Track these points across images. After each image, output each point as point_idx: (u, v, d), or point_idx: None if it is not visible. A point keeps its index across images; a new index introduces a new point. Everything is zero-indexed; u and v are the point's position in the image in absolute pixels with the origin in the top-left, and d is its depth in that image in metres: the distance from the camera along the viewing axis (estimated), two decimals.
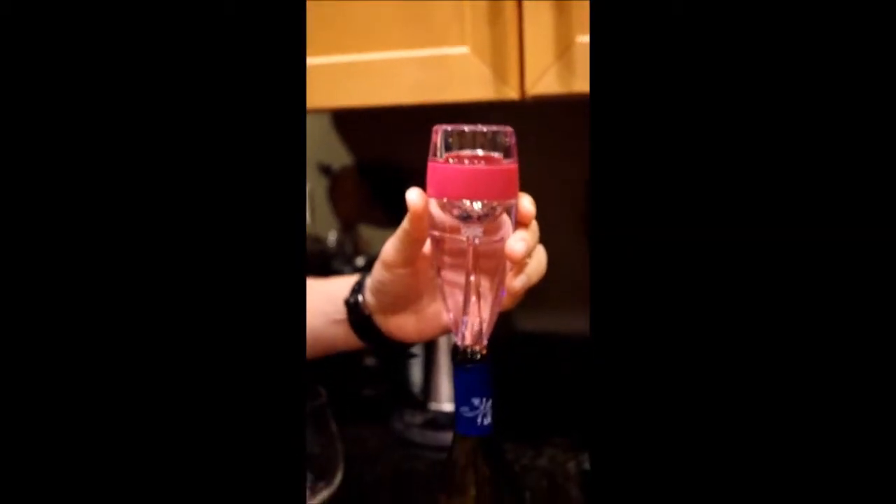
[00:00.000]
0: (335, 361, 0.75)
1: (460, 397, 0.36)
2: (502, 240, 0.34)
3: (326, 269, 0.80)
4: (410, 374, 0.75)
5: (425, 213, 0.35)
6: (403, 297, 0.42)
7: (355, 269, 0.77)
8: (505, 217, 0.35)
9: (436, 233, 0.35)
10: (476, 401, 0.36)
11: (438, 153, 0.34)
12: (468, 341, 0.35)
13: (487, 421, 0.36)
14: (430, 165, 0.34)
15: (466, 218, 0.33)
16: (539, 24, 0.49)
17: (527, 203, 0.35)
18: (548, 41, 0.49)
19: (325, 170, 0.82)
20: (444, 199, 0.34)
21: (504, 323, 0.39)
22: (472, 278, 0.35)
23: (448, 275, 0.36)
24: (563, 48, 0.48)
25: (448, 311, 0.37)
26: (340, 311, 0.45)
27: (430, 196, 0.35)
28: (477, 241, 0.34)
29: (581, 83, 0.48)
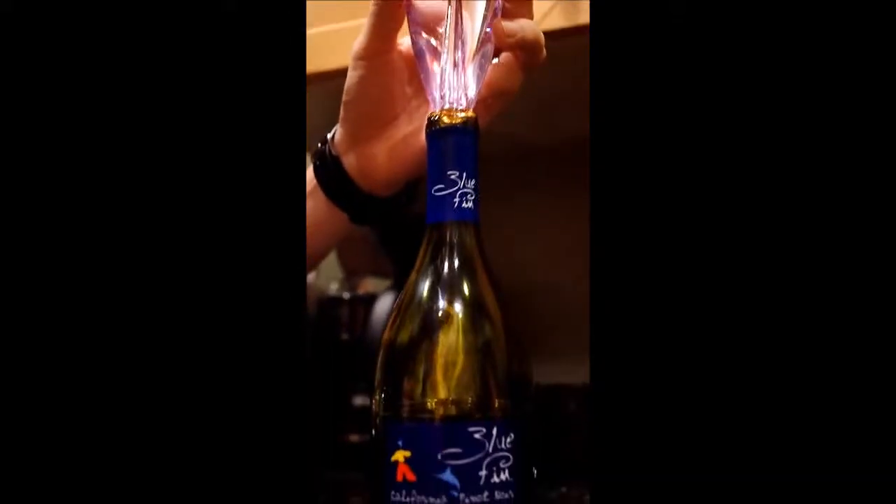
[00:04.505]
0: (319, 401, 0.67)
1: (433, 174, 0.31)
2: None
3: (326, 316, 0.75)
4: None
5: None
6: (375, 106, 0.38)
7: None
8: None
9: None
10: (453, 174, 0.31)
11: None
12: (449, 101, 0.31)
13: (468, 205, 0.31)
14: None
15: None
16: None
17: None
18: None
19: None
20: None
21: None
22: (449, 23, 0.32)
23: (426, 43, 0.34)
24: None
25: (427, 77, 0.33)
26: (310, 181, 0.41)
27: None
28: None
29: (584, 16, 0.48)
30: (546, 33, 0.36)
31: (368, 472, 0.29)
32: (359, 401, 0.68)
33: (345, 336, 0.71)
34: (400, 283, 0.72)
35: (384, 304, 0.69)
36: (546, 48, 0.36)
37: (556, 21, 0.43)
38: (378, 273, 0.80)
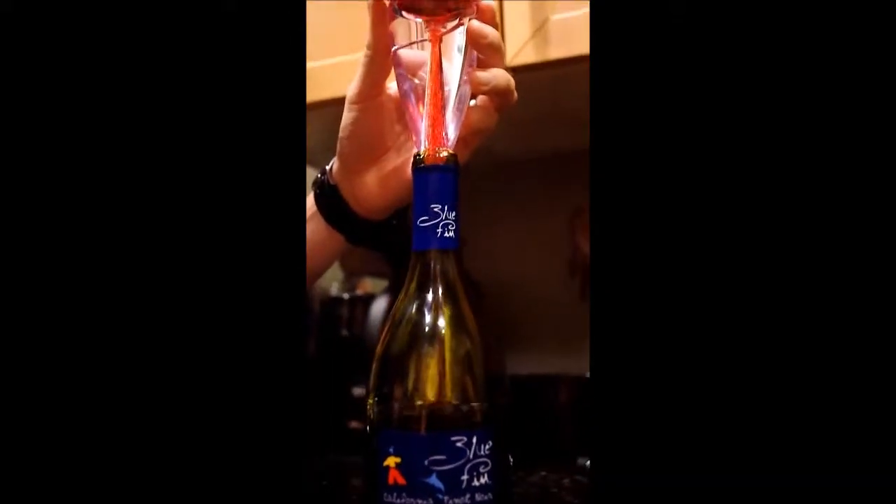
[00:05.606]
0: (321, 392, 0.71)
1: (419, 207, 0.34)
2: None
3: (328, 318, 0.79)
4: None
5: (384, 12, 0.37)
6: (368, 142, 0.42)
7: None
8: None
9: (397, 48, 0.37)
10: (436, 207, 0.34)
11: None
12: (429, 142, 0.35)
13: (449, 234, 0.34)
14: None
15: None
16: (517, 7, 0.56)
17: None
18: (525, 20, 0.56)
19: None
20: None
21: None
22: (430, 71, 0.35)
23: (410, 88, 0.37)
24: (539, 25, 0.55)
25: (412, 119, 0.36)
26: (311, 207, 0.45)
27: None
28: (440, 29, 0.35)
29: (553, 52, 0.53)
30: (520, 67, 0.40)
31: (364, 473, 0.33)
32: (358, 391, 0.73)
33: (345, 332, 0.76)
34: (396, 284, 0.76)
35: (381, 304, 0.73)
36: (520, 79, 0.39)
37: (529, 56, 0.46)
38: (376, 274, 0.84)
